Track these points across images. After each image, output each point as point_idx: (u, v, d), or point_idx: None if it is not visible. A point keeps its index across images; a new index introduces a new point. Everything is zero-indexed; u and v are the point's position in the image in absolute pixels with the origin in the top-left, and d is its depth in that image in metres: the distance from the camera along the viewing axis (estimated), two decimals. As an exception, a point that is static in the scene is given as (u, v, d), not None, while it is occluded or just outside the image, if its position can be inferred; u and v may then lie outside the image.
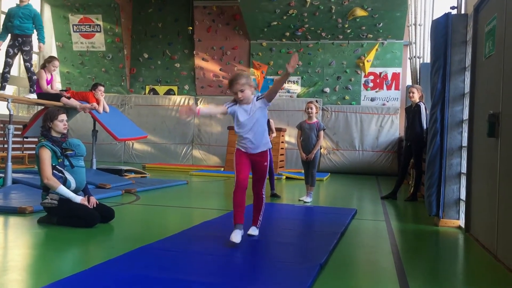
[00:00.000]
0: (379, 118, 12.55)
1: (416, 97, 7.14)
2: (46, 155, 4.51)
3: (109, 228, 4.59)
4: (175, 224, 5.04)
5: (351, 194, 8.62)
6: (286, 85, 13.33)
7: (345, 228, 4.78)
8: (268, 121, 7.36)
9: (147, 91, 14.27)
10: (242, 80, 3.83)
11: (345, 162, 12.55)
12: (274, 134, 7.38)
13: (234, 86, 3.85)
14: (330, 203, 6.96)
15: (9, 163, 6.35)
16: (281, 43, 13.23)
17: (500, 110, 3.79)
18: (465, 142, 5.06)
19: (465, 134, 5.06)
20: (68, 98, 7.57)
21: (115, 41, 13.83)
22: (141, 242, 3.83)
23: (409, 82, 11.76)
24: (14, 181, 6.44)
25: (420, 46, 9.68)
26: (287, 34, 12.93)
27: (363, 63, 12.85)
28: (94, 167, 8.62)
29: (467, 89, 5.06)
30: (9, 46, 6.84)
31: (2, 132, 11.61)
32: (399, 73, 12.81)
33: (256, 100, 3.93)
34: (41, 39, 6.89)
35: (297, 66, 13.19)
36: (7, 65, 6.85)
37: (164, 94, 14.15)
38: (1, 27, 7.00)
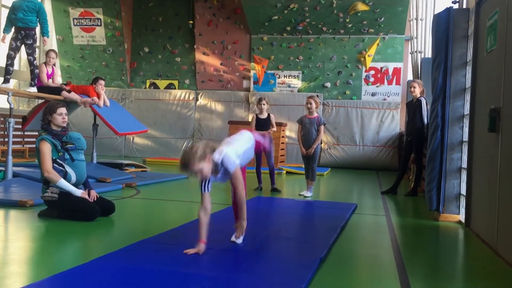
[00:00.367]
0: (379, 113, 12.53)
1: (417, 92, 7.13)
2: (47, 148, 4.51)
3: (109, 222, 4.59)
4: (175, 218, 5.04)
5: (351, 189, 8.62)
6: (286, 80, 13.31)
7: (345, 223, 4.79)
8: (269, 116, 7.36)
9: (147, 85, 14.25)
10: (195, 164, 3.18)
11: (345, 157, 12.55)
12: (275, 129, 7.38)
13: (190, 172, 3.25)
14: (331, 198, 6.96)
15: (10, 157, 6.35)
16: (282, 37, 13.20)
17: (501, 105, 3.79)
18: (466, 137, 5.05)
19: (466, 129, 5.05)
20: (69, 91, 7.56)
21: (115, 35, 13.79)
22: (141, 235, 3.84)
23: (410, 77, 11.73)
24: (15, 175, 6.45)
25: (422, 40, 9.65)
26: (288, 28, 12.89)
27: (364, 58, 12.82)
28: (95, 161, 8.63)
29: (468, 84, 5.05)
30: (12, 39, 6.81)
31: (3, 125, 11.62)
32: (400, 68, 12.78)
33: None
34: (45, 32, 6.85)
35: (298, 60, 13.17)
36: (10, 58, 6.83)
37: (165, 88, 14.13)
38: (5, 20, 6.95)
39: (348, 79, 12.96)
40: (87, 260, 3.09)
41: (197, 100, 13.69)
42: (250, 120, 12.43)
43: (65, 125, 4.70)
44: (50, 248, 3.63)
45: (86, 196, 4.58)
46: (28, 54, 6.90)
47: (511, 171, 3.53)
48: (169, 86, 14.13)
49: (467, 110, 5.05)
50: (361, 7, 11.88)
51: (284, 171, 10.31)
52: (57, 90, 7.46)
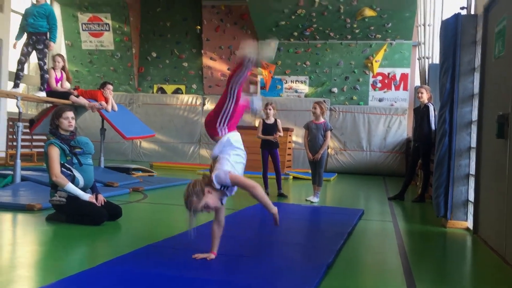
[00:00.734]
0: (387, 118, 12.51)
1: (424, 97, 7.11)
2: (55, 153, 4.53)
3: (116, 226, 4.61)
4: (182, 222, 5.04)
5: (358, 194, 8.59)
6: (293, 85, 13.32)
7: (352, 229, 4.77)
8: (275, 121, 7.37)
9: (155, 90, 14.31)
10: (198, 203, 3.07)
11: (352, 162, 12.52)
12: (281, 134, 7.38)
13: (199, 212, 3.12)
14: (337, 203, 6.94)
15: (18, 161, 6.39)
16: (289, 42, 13.22)
17: (510, 111, 3.77)
18: (473, 143, 5.03)
19: (474, 135, 5.03)
20: (77, 96, 7.60)
21: (123, 40, 13.88)
22: (148, 240, 3.85)
23: (417, 82, 11.70)
24: (23, 178, 6.48)
25: (429, 46, 9.62)
26: (295, 33, 12.91)
27: (371, 63, 12.81)
28: (102, 165, 8.66)
29: (476, 90, 5.03)
30: (24, 45, 6.87)
31: (11, 129, 11.70)
32: (407, 74, 12.75)
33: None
34: (52, 37, 6.90)
35: (305, 66, 13.18)
36: (21, 63, 6.88)
37: (172, 93, 14.18)
38: (19, 27, 7.02)
39: (355, 84, 12.94)
40: (94, 264, 3.10)
41: (204, 105, 13.72)
42: (256, 125, 12.46)
43: (71, 129, 4.72)
44: (58, 252, 3.65)
45: (94, 201, 4.59)
46: (38, 59, 6.95)
47: (520, 178, 3.51)
48: (176, 91, 14.18)
49: (475, 116, 5.03)
50: (369, 12, 11.88)
51: (291, 176, 10.29)
52: (65, 95, 7.51)
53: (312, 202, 6.69)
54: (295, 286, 2.86)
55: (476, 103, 5.01)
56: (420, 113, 7.16)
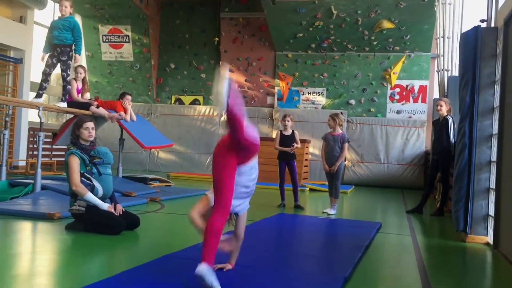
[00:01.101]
0: (405, 131, 12.41)
1: (444, 110, 7.05)
2: (75, 162, 4.60)
3: (134, 236, 4.64)
4: (198, 233, 5.05)
5: (375, 207, 8.52)
6: (311, 97, 13.32)
7: (369, 242, 4.73)
8: (293, 132, 7.37)
9: (173, 101, 14.43)
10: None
11: (369, 174, 12.43)
12: (299, 145, 7.37)
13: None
14: (354, 216, 6.89)
15: (39, 170, 6.49)
16: (306, 54, 13.25)
17: (531, 125, 3.72)
18: (494, 157, 4.96)
19: (494, 149, 4.96)
20: (97, 107, 7.71)
21: (143, 52, 14.06)
22: (166, 250, 3.87)
23: (436, 95, 11.60)
24: (43, 187, 6.57)
25: (448, 59, 9.55)
26: (313, 45, 12.93)
27: (389, 75, 12.75)
28: (120, 175, 8.74)
29: (496, 103, 4.97)
30: (49, 56, 7.00)
31: (32, 139, 11.90)
32: (426, 86, 12.66)
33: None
34: (77, 50, 7.03)
35: (322, 77, 13.18)
36: (45, 74, 7.01)
37: (190, 104, 14.29)
38: (45, 40, 7.16)
39: (373, 96, 12.89)
40: (113, 273, 3.12)
41: (221, 116, 13.78)
42: (274, 136, 12.47)
43: (92, 139, 4.79)
44: (77, 261, 3.69)
45: (112, 210, 4.64)
46: (62, 70, 7.08)
47: (542, 193, 3.45)
48: (194, 102, 14.29)
49: (495, 130, 4.97)
50: (387, 24, 11.86)
51: (307, 188, 10.26)
52: (85, 105, 7.62)
53: (329, 214, 6.66)
54: (312, 299, 2.84)
55: (496, 116, 4.95)
56: (439, 125, 7.10)
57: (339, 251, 4.39)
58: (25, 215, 5.24)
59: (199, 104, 14.20)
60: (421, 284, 3.42)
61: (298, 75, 13.33)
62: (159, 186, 8.79)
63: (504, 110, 4.70)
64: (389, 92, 12.81)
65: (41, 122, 6.75)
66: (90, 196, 4.56)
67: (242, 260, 3.51)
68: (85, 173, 4.63)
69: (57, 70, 7.25)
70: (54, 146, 11.16)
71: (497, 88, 4.97)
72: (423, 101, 12.63)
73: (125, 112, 8.06)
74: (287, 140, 7.27)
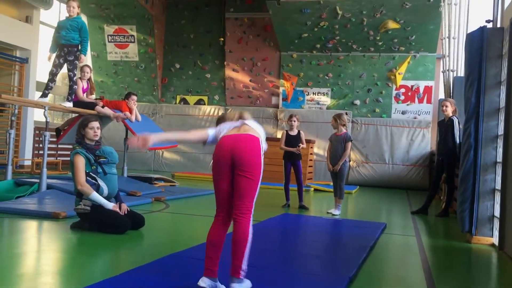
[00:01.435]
0: (410, 131, 12.38)
1: (449, 111, 7.03)
2: (80, 162, 4.62)
3: (139, 235, 4.65)
4: (203, 233, 5.05)
5: (380, 207, 8.50)
6: (315, 97, 13.31)
7: (374, 242, 4.72)
8: (299, 132, 7.37)
9: (177, 101, 14.46)
10: None
11: (374, 175, 12.40)
12: (304, 146, 7.37)
13: None
14: (359, 217, 6.88)
15: (44, 169, 6.51)
16: (311, 54, 13.24)
17: (537, 126, 3.70)
18: (500, 158, 4.94)
19: (500, 150, 4.94)
20: (102, 107, 7.74)
21: (148, 52, 14.09)
22: (170, 249, 3.88)
23: (441, 95, 11.57)
24: (49, 187, 6.60)
25: (454, 59, 9.52)
26: (318, 46, 12.92)
27: (395, 76, 12.72)
28: (125, 174, 8.76)
29: (502, 103, 4.95)
30: (56, 56, 7.03)
31: (38, 138, 11.95)
32: (431, 86, 12.62)
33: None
34: (83, 50, 7.06)
35: (327, 78, 13.17)
36: (52, 74, 7.04)
37: (195, 104, 14.31)
38: (51, 40, 7.18)
39: (378, 97, 12.86)
40: (117, 272, 3.14)
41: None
42: (278, 136, 12.46)
43: (97, 138, 4.80)
44: (82, 260, 3.70)
45: (117, 209, 4.65)
46: (68, 70, 7.11)
47: (548, 194, 3.43)
48: (199, 102, 14.31)
49: (501, 130, 4.95)
50: (392, 25, 11.83)
51: (312, 189, 10.25)
52: (91, 105, 7.65)
53: (333, 214, 6.65)
54: (316, 299, 2.84)
55: (502, 117, 4.93)
56: (445, 126, 7.07)
57: (343, 251, 4.39)
58: (31, 214, 5.26)
59: (204, 104, 14.22)
60: (426, 285, 3.41)
61: (303, 75, 13.32)
62: (164, 186, 8.81)
63: (510, 111, 4.68)
64: (394, 92, 12.78)
65: (47, 122, 6.78)
66: (95, 196, 4.58)
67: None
68: (91, 173, 4.65)
69: (64, 69, 7.28)
70: (59, 146, 11.22)
71: (503, 89, 4.95)
72: (428, 101, 12.60)
73: (130, 112, 8.08)
74: (293, 140, 7.27)
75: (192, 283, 2.96)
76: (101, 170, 4.70)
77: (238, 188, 2.78)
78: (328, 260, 4.05)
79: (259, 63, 13.70)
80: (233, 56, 13.81)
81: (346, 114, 7.02)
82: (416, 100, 12.66)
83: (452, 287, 3.54)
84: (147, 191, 7.57)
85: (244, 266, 2.78)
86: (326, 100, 13.24)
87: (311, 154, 11.41)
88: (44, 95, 7.06)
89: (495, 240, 4.99)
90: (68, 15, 7.03)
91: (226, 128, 3.00)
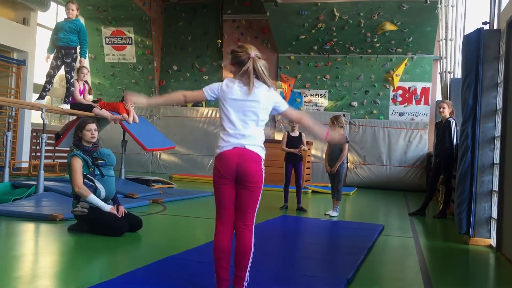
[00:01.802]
0: (407, 133, 12.40)
1: (446, 112, 7.04)
2: (78, 164, 4.61)
3: (136, 237, 4.64)
4: (201, 235, 5.07)
5: (378, 209, 8.51)
6: (313, 99, 13.32)
7: (372, 244, 4.72)
8: (300, 134, 7.38)
9: (175, 103, 14.44)
10: None
11: (372, 177, 12.41)
12: (305, 148, 7.38)
13: None
14: (357, 218, 6.88)
15: (42, 171, 6.50)
16: (309, 56, 13.25)
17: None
18: (497, 159, 4.95)
19: (497, 151, 4.95)
20: (100, 109, 7.73)
21: (145, 54, 14.09)
22: (168, 252, 3.87)
23: (439, 97, 11.59)
24: (46, 189, 6.59)
25: (451, 61, 9.55)
26: (315, 47, 12.94)
27: (392, 78, 12.75)
28: (123, 176, 8.75)
29: (499, 105, 4.97)
30: (53, 58, 7.01)
31: (35, 140, 11.93)
32: (428, 88, 12.65)
33: None
34: (82, 53, 7.06)
35: (325, 79, 13.18)
36: (49, 76, 7.03)
37: (192, 106, 14.31)
38: (49, 40, 7.17)
39: (375, 98, 12.89)
40: (115, 275, 3.13)
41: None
42: (276, 138, 12.47)
43: (94, 140, 4.80)
44: (79, 263, 3.69)
45: (115, 212, 4.64)
46: (66, 72, 7.10)
47: (545, 195, 3.44)
48: (196, 104, 14.30)
49: (498, 132, 4.96)
50: (389, 27, 11.86)
51: (310, 190, 10.25)
52: (88, 107, 7.64)
53: (331, 216, 6.65)
54: (314, 301, 2.84)
55: (499, 118, 4.94)
56: (442, 128, 7.09)
57: (341, 253, 4.39)
58: (28, 216, 5.25)
59: (202, 106, 14.22)
60: (423, 286, 3.41)
61: (301, 77, 13.34)
62: (162, 188, 8.80)
63: (507, 112, 4.69)
64: (391, 94, 12.81)
65: (44, 124, 6.77)
66: (92, 198, 4.57)
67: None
68: (88, 175, 4.64)
69: (61, 72, 7.26)
70: (57, 148, 11.20)
71: (500, 90, 4.96)
72: (426, 103, 12.62)
73: (128, 114, 8.08)
74: (294, 141, 7.28)
75: (190, 285, 2.96)
76: (98, 172, 4.70)
77: (241, 200, 2.79)
78: (326, 262, 4.05)
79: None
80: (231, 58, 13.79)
81: (344, 115, 7.03)
82: (414, 101, 12.69)
83: (450, 288, 3.54)
84: (145, 193, 7.56)
85: (247, 277, 2.80)
86: (324, 102, 13.26)
87: (308, 156, 11.41)
88: (41, 97, 7.04)
89: (492, 241, 5.00)
90: (66, 17, 7.02)
91: (231, 91, 2.88)
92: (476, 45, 5.12)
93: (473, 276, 4.07)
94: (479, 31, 5.16)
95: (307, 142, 11.14)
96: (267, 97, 2.90)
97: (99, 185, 4.66)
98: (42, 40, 12.08)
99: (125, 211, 4.76)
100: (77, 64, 7.14)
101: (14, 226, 4.85)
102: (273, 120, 13.36)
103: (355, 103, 12.97)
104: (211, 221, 6.01)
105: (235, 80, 2.91)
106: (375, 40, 12.35)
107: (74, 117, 8.06)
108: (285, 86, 13.38)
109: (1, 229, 4.79)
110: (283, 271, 3.59)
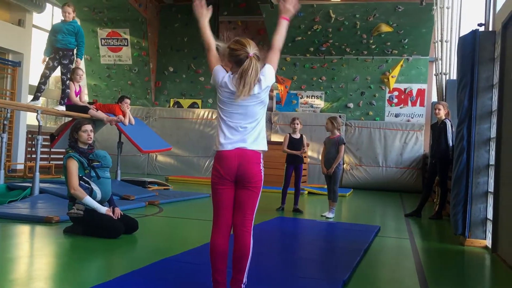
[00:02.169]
0: (403, 134, 12.43)
1: (442, 114, 7.07)
2: (73, 166, 4.59)
3: (132, 239, 4.63)
4: (197, 237, 5.05)
5: (374, 210, 8.52)
6: (309, 100, 13.33)
7: (368, 245, 4.73)
8: (301, 136, 7.39)
9: (171, 104, 14.44)
10: None
11: (368, 178, 12.43)
12: (306, 150, 7.39)
13: None
14: (353, 220, 6.89)
15: (37, 173, 6.48)
16: (305, 58, 13.27)
17: (529, 129, 3.73)
18: (492, 161, 4.97)
19: (493, 153, 4.97)
20: (96, 110, 7.71)
21: (141, 55, 14.07)
22: (164, 254, 3.86)
23: (434, 98, 11.62)
24: (41, 191, 6.56)
25: (447, 62, 9.58)
26: (311, 49, 12.96)
27: (388, 79, 12.78)
28: (119, 178, 8.73)
29: (494, 106, 4.99)
30: (49, 59, 7.00)
31: (30, 142, 11.88)
32: (424, 89, 12.68)
33: None
34: (79, 55, 7.07)
35: (321, 81, 13.20)
36: (44, 76, 7.01)
37: (188, 107, 14.30)
38: (46, 42, 7.15)
39: (371, 100, 12.91)
40: (111, 277, 3.12)
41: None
42: (273, 139, 12.47)
43: (90, 142, 4.79)
44: (75, 265, 3.68)
45: (111, 214, 4.63)
46: (62, 74, 7.08)
47: (540, 196, 3.46)
48: (193, 105, 14.29)
49: (493, 133, 4.98)
50: (385, 28, 11.89)
51: (306, 192, 10.25)
52: (84, 109, 7.62)
53: (327, 217, 6.66)
54: (311, 303, 2.84)
55: (494, 119, 4.96)
56: (438, 129, 7.11)
57: (337, 254, 4.39)
58: (23, 218, 5.23)
59: (198, 107, 14.21)
60: (419, 287, 3.41)
61: (297, 78, 13.35)
62: (158, 190, 8.79)
63: (502, 114, 4.71)
64: (387, 95, 12.83)
65: (39, 126, 6.75)
66: (88, 200, 4.56)
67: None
68: (84, 177, 4.63)
69: (57, 73, 7.25)
70: (52, 150, 11.16)
71: (495, 92, 4.98)
72: (421, 104, 12.66)
73: (124, 115, 8.06)
74: (296, 143, 7.28)
75: (186, 287, 2.95)
76: (94, 174, 4.68)
77: (240, 200, 2.77)
78: (322, 263, 4.05)
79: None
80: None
81: (340, 117, 7.04)
82: (409, 103, 12.72)
83: (445, 289, 3.55)
84: (141, 195, 7.54)
85: (245, 279, 2.79)
86: (320, 103, 13.27)
87: (305, 157, 11.41)
88: (36, 98, 7.02)
89: (488, 242, 5.02)
90: (64, 19, 7.01)
91: (231, 86, 2.88)
92: (471, 47, 5.14)
93: (469, 277, 4.08)
94: (474, 32, 5.19)
95: (304, 144, 11.18)
96: (263, 88, 2.91)
97: (95, 187, 4.65)
98: (37, 41, 12.05)
99: (121, 213, 4.75)
100: (74, 65, 7.13)
101: (9, 228, 4.83)
102: (269, 121, 13.36)
103: (351, 105, 12.99)
104: (207, 222, 5.99)
105: (234, 76, 2.90)
106: (371, 41, 12.38)
107: (70, 119, 8.04)
108: (281, 88, 13.38)
109: (-4, 231, 4.77)
110: (279, 272, 3.59)
